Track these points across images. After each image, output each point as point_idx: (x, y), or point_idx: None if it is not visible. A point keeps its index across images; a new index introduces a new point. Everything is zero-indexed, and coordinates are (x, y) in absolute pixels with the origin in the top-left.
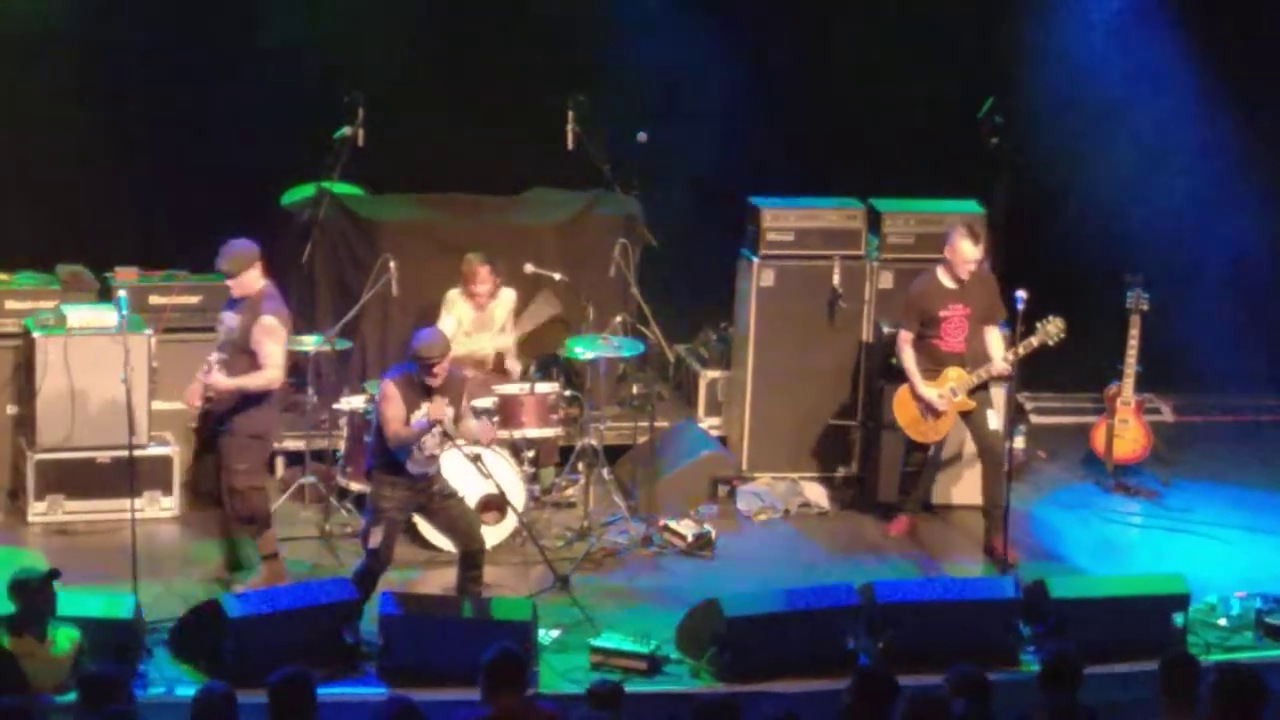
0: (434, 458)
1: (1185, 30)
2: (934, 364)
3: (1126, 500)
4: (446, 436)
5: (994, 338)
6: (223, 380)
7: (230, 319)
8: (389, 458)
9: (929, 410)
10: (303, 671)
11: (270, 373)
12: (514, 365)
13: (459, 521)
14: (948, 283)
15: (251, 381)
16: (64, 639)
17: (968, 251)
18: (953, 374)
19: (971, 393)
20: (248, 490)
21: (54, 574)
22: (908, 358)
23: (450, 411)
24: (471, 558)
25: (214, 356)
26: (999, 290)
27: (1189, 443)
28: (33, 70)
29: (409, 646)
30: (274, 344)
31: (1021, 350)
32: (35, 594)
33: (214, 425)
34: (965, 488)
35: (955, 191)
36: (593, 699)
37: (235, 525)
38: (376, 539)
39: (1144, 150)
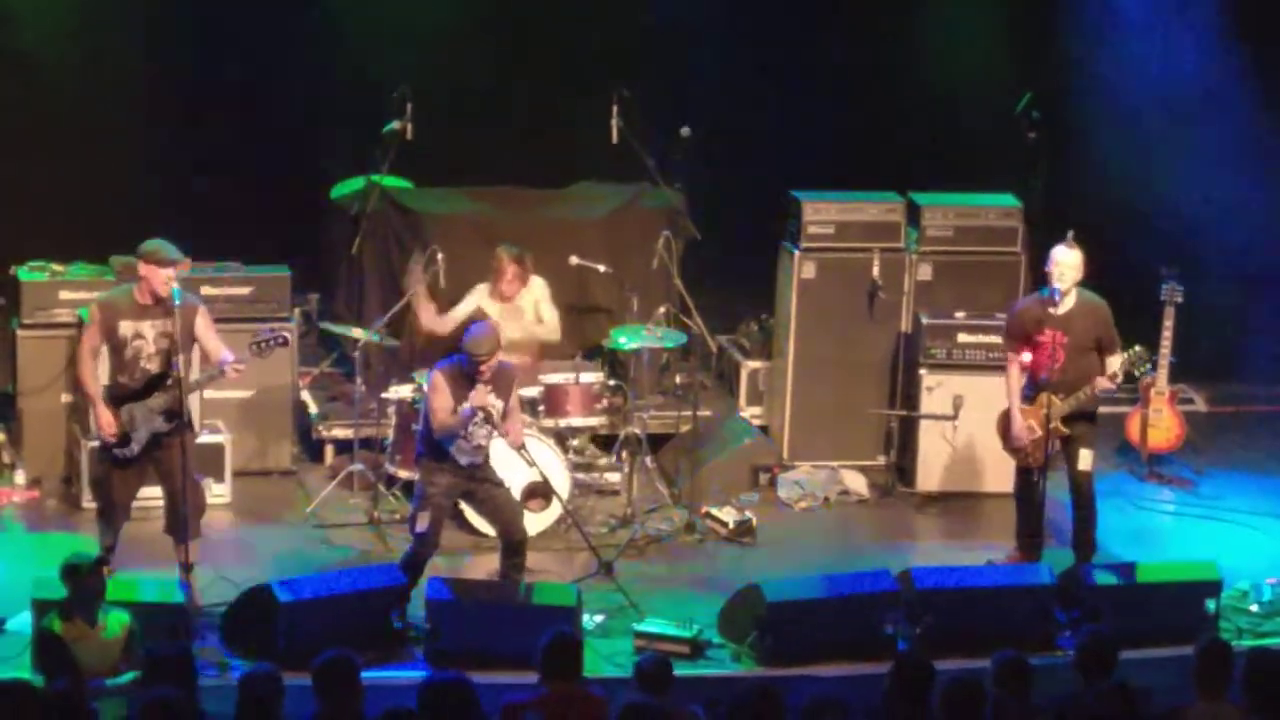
0: (481, 447)
1: (1228, 23)
2: (1031, 390)
3: (1160, 488)
4: (492, 426)
5: (1110, 362)
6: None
7: (157, 326)
8: (437, 446)
9: (1019, 433)
10: (346, 654)
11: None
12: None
13: (503, 511)
14: (1049, 305)
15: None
16: (115, 623)
17: (1060, 254)
18: (1044, 400)
19: (1073, 424)
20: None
21: (104, 560)
22: (1010, 375)
23: (500, 405)
24: (514, 548)
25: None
26: (1110, 319)
27: (1222, 432)
28: (83, 66)
29: (456, 631)
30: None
31: (1109, 384)
32: (86, 579)
33: (163, 434)
34: (993, 475)
35: (993, 186)
36: (641, 680)
37: (193, 534)
38: (423, 524)
39: (1179, 143)
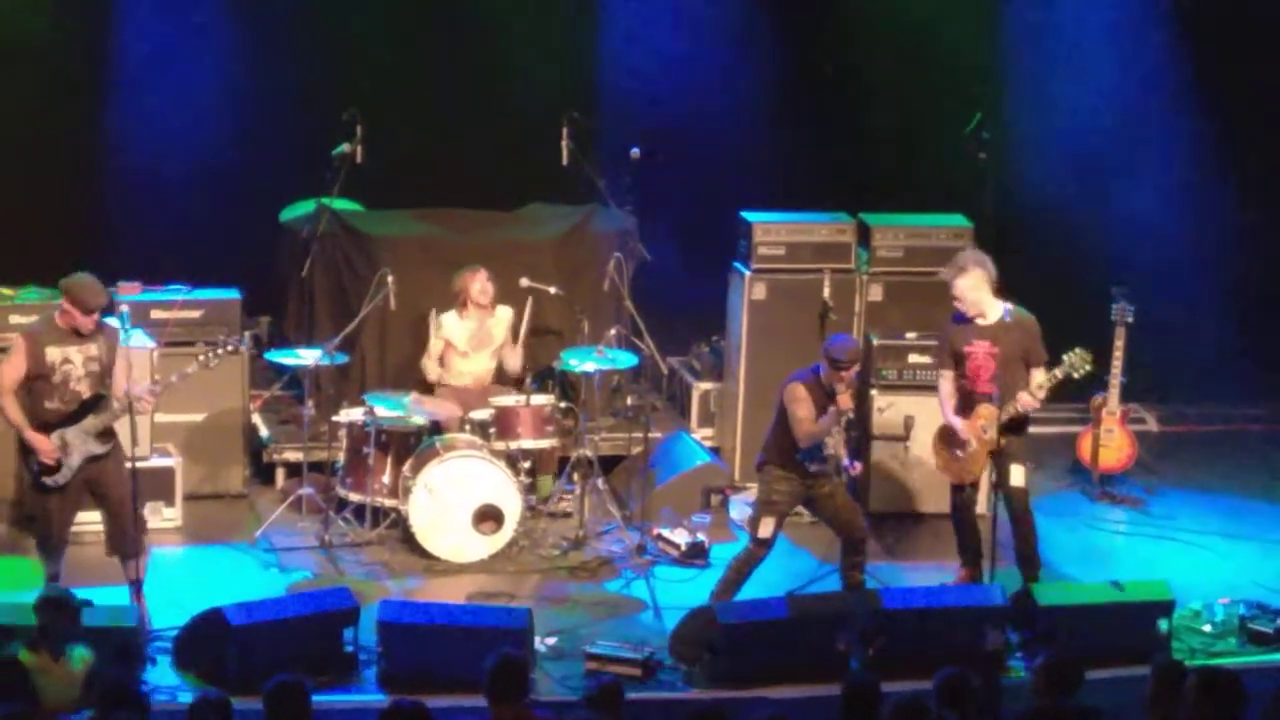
0: (831, 456)
1: (1179, 45)
2: (965, 404)
3: (1112, 508)
4: (845, 430)
5: (1035, 375)
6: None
7: (84, 350)
8: (787, 454)
9: (956, 443)
10: (297, 679)
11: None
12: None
13: (843, 512)
14: (975, 317)
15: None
16: (78, 658)
17: (958, 287)
18: (984, 411)
19: (1004, 437)
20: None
21: (87, 603)
22: (942, 386)
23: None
24: (855, 545)
25: (87, 393)
26: (1038, 333)
27: (1173, 452)
28: (35, 88)
29: (408, 653)
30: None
31: (1047, 383)
32: (60, 616)
33: (99, 455)
34: (944, 496)
35: (944, 206)
36: (590, 703)
37: (140, 549)
38: (768, 529)
39: (1130, 164)
